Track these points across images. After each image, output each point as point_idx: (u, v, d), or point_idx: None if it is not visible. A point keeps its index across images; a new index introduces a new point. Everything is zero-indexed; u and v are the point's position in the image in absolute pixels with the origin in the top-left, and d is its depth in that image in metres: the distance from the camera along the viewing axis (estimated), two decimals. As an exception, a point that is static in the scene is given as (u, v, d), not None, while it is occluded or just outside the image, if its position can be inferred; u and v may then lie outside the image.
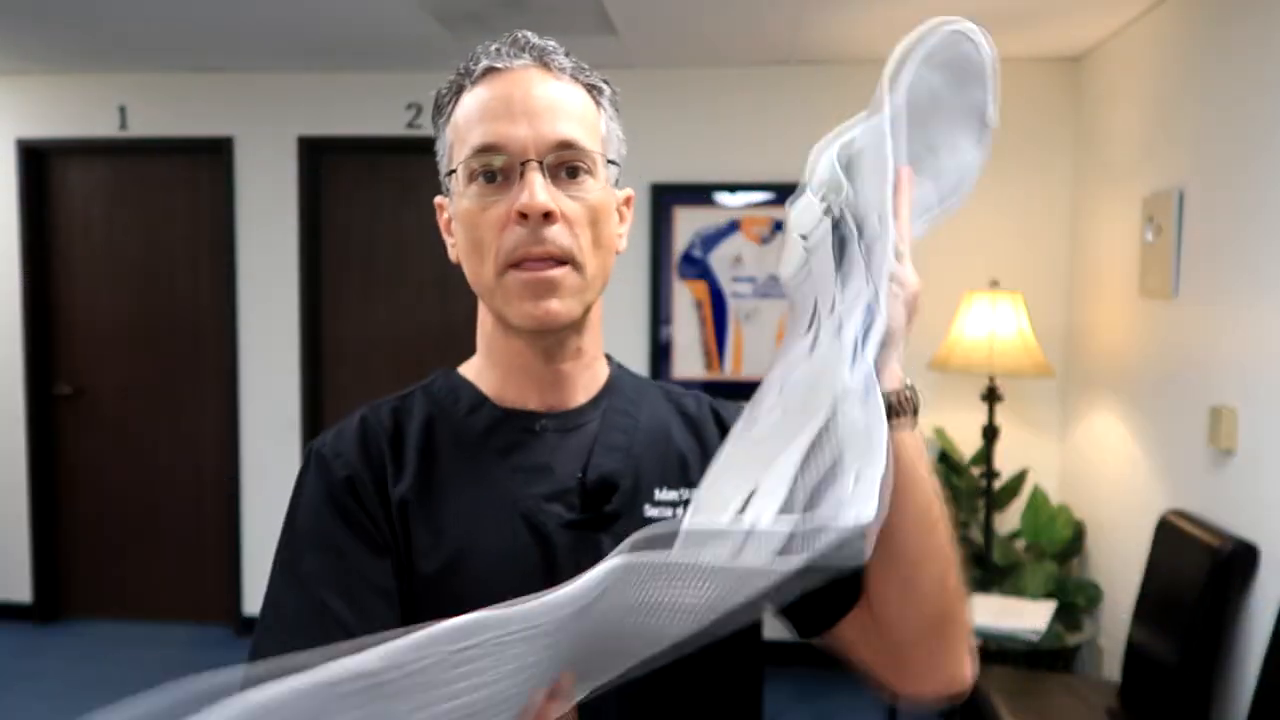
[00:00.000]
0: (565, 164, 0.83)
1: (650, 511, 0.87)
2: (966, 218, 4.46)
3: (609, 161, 0.88)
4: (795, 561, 0.54)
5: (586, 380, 0.92)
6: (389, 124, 4.03)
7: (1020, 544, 3.62)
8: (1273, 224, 2.34)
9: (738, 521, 0.59)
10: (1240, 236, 2.49)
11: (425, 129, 0.95)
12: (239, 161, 4.19)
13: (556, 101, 0.84)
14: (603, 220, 0.86)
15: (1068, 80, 3.74)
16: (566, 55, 0.88)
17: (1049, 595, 3.25)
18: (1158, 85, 3.03)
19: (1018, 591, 3.30)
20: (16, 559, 4.38)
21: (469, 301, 0.92)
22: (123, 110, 4.21)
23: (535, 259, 0.81)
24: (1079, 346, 3.64)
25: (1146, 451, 3.03)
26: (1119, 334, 3.26)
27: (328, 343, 4.28)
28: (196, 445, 4.36)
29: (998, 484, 3.51)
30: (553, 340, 0.87)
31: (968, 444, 3.67)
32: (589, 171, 0.84)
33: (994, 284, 3.41)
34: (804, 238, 0.71)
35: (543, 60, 0.86)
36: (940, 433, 3.70)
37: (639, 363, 3.94)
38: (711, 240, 3.98)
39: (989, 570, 3.38)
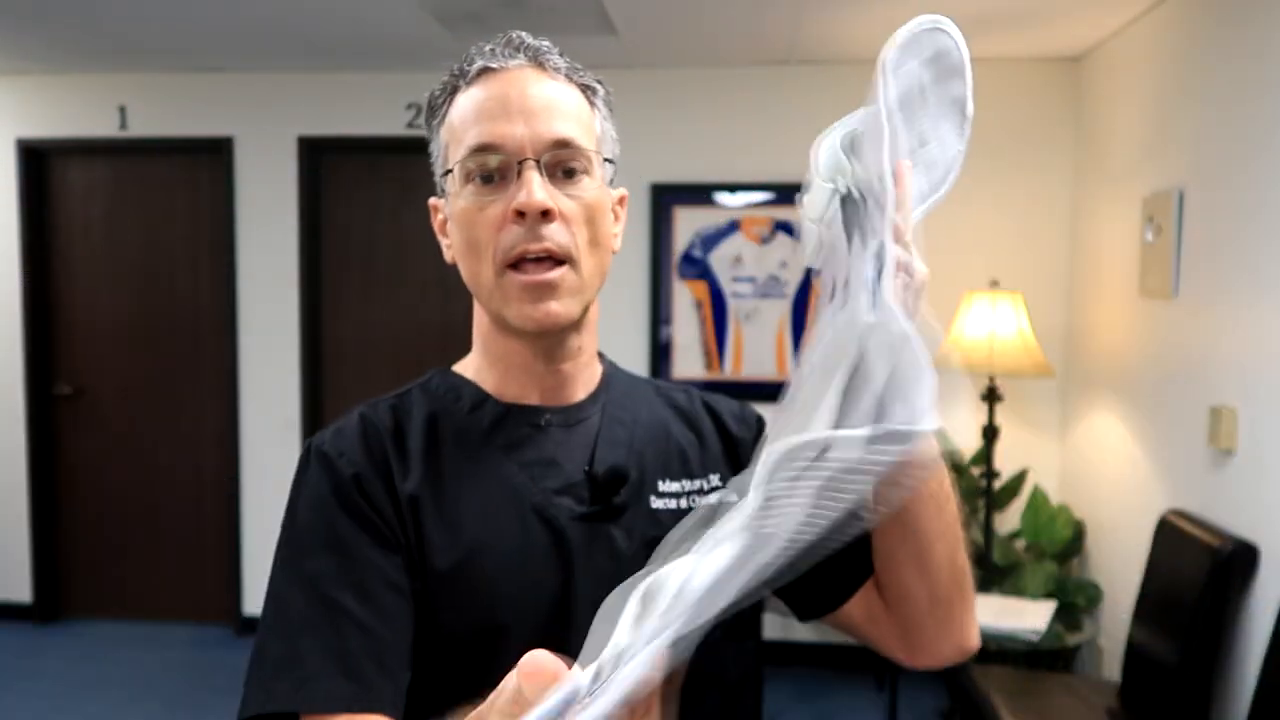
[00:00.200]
0: (562, 163, 0.84)
1: (655, 503, 0.88)
2: (966, 218, 4.46)
3: (606, 160, 0.88)
4: (890, 453, 0.53)
5: (586, 377, 0.93)
6: (389, 124, 4.04)
7: (1020, 544, 3.62)
8: (1273, 224, 2.34)
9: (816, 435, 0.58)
10: (1240, 236, 2.49)
11: (425, 129, 0.95)
12: (239, 161, 4.19)
13: (552, 101, 0.85)
14: (599, 219, 0.86)
15: (1068, 80, 3.74)
16: (560, 55, 0.88)
17: (1049, 595, 3.25)
18: (1158, 85, 3.03)
19: (1018, 591, 3.30)
20: (16, 559, 4.38)
21: (469, 301, 0.92)
22: (123, 110, 4.21)
23: (533, 257, 0.82)
24: (1079, 346, 3.64)
25: (1146, 451, 3.03)
26: (1119, 334, 3.26)
27: (328, 343, 4.28)
28: (196, 445, 4.37)
29: (998, 484, 3.51)
30: (553, 340, 0.88)
31: (968, 444, 3.67)
32: (585, 170, 0.85)
33: (994, 284, 3.41)
34: (817, 221, 0.73)
35: (538, 60, 0.87)
36: (940, 433, 3.70)
37: (639, 363, 3.94)
38: (711, 240, 3.98)
39: (989, 570, 3.38)
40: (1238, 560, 2.38)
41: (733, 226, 3.97)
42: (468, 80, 0.86)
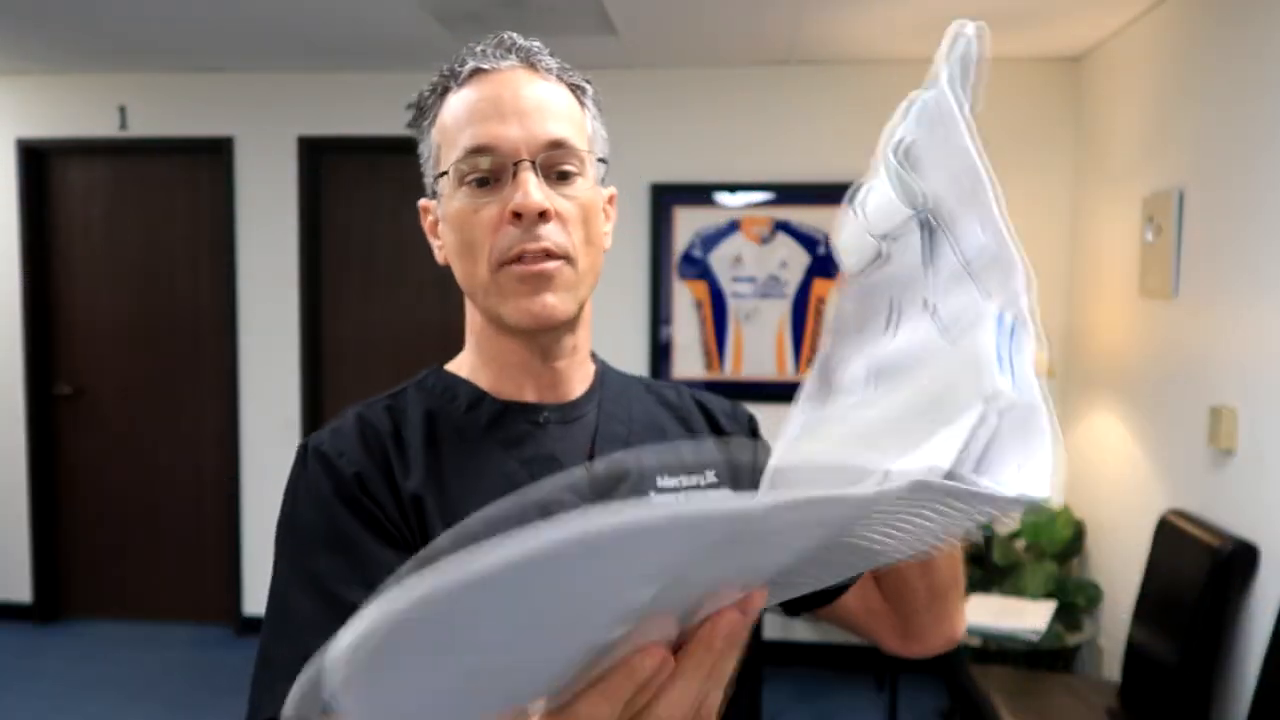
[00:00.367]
0: (556, 164, 0.84)
1: (656, 500, 0.88)
2: (966, 218, 4.43)
3: (599, 160, 0.89)
4: (1001, 510, 0.52)
5: (581, 375, 0.93)
6: (389, 124, 4.03)
7: (1020, 544, 3.62)
8: (1273, 224, 2.34)
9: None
10: (1240, 236, 2.49)
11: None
12: (239, 161, 4.19)
13: (545, 101, 0.85)
14: (593, 218, 0.87)
15: (1068, 80, 3.74)
16: (551, 55, 0.89)
17: (1049, 595, 3.25)
18: (1158, 85, 3.03)
19: (1018, 591, 3.30)
20: (16, 559, 4.38)
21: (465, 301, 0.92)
22: (123, 110, 4.21)
23: (530, 256, 0.82)
24: (1079, 346, 3.64)
25: (1146, 451, 3.03)
26: (1119, 334, 3.26)
27: (328, 343, 4.28)
28: (196, 445, 4.37)
29: (998, 484, 3.50)
30: (548, 338, 0.88)
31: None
32: (579, 171, 0.85)
33: (994, 284, 3.41)
34: (882, 237, 0.70)
35: (529, 61, 0.87)
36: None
37: (639, 363, 3.94)
38: (711, 240, 3.98)
39: (989, 570, 3.38)
40: (1238, 560, 2.38)
41: (733, 226, 3.97)
42: (459, 81, 0.86)
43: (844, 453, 0.60)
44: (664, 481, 0.90)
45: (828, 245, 3.96)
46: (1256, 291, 2.40)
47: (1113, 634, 3.21)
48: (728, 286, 3.99)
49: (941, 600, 0.89)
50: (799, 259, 3.95)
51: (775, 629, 3.89)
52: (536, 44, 0.88)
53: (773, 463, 0.62)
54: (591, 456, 0.89)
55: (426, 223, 0.93)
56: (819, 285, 3.95)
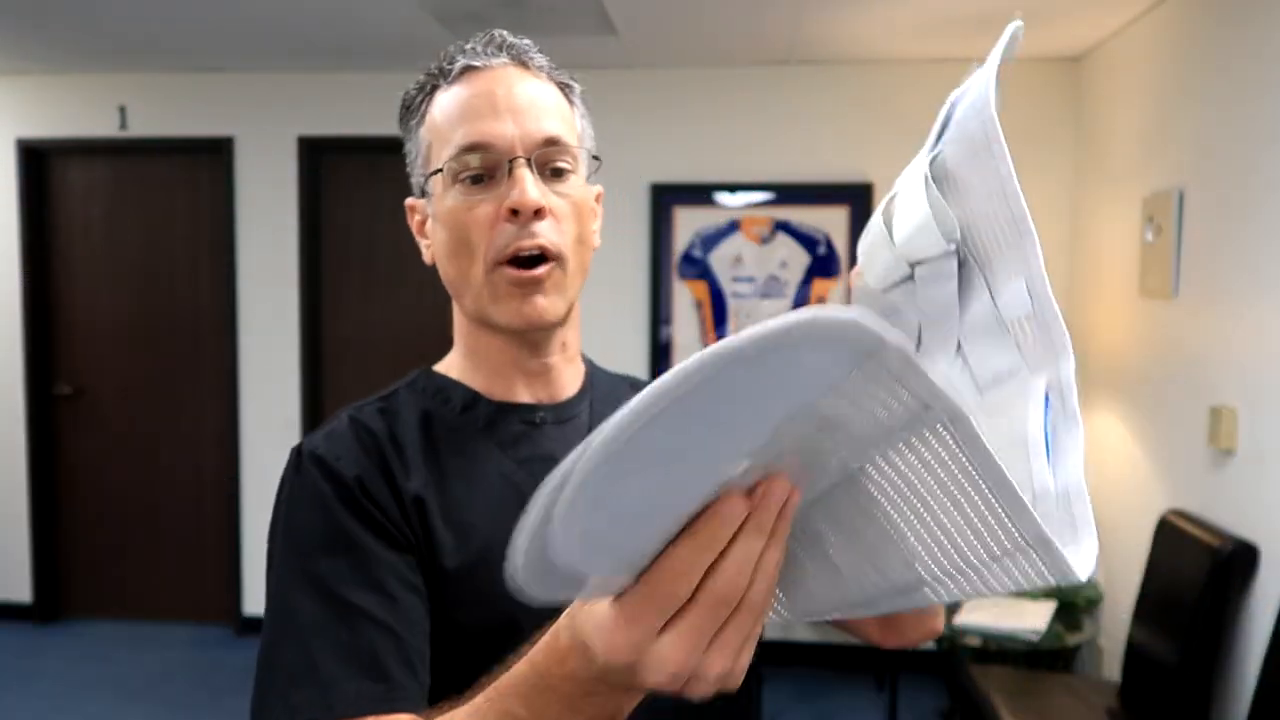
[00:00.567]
0: (550, 161, 0.84)
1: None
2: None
3: (593, 158, 0.90)
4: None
5: (572, 374, 0.94)
6: (389, 124, 3.99)
7: (1020, 544, 3.62)
8: (1273, 224, 2.34)
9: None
10: (1240, 236, 2.49)
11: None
12: (239, 161, 4.19)
13: (538, 99, 0.85)
14: (585, 216, 0.88)
15: (1068, 80, 3.75)
16: (540, 53, 0.89)
17: (1049, 595, 3.25)
18: (1158, 85, 3.03)
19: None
20: (16, 559, 4.38)
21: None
22: (123, 110, 4.21)
23: (525, 255, 0.82)
24: (1079, 346, 3.60)
25: (1146, 451, 3.03)
26: (1119, 334, 3.26)
27: (328, 343, 4.28)
28: (196, 445, 4.37)
29: (998, 484, 3.50)
30: (539, 335, 0.88)
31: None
32: (572, 169, 0.86)
33: (994, 284, 3.41)
34: (915, 263, 0.65)
35: (520, 59, 0.87)
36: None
37: (639, 363, 3.94)
38: (711, 240, 3.98)
39: (989, 570, 3.38)
40: (1238, 560, 2.38)
41: (733, 226, 3.97)
42: (450, 79, 0.86)
43: None
44: None
45: (828, 245, 3.96)
46: (1256, 291, 2.40)
47: (1113, 634, 3.21)
48: (728, 286, 3.99)
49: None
50: (799, 259, 3.95)
51: (775, 629, 3.88)
52: (526, 41, 0.88)
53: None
54: None
55: (414, 222, 0.93)
56: (819, 285, 3.95)
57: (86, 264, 4.37)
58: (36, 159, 4.31)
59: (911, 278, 0.66)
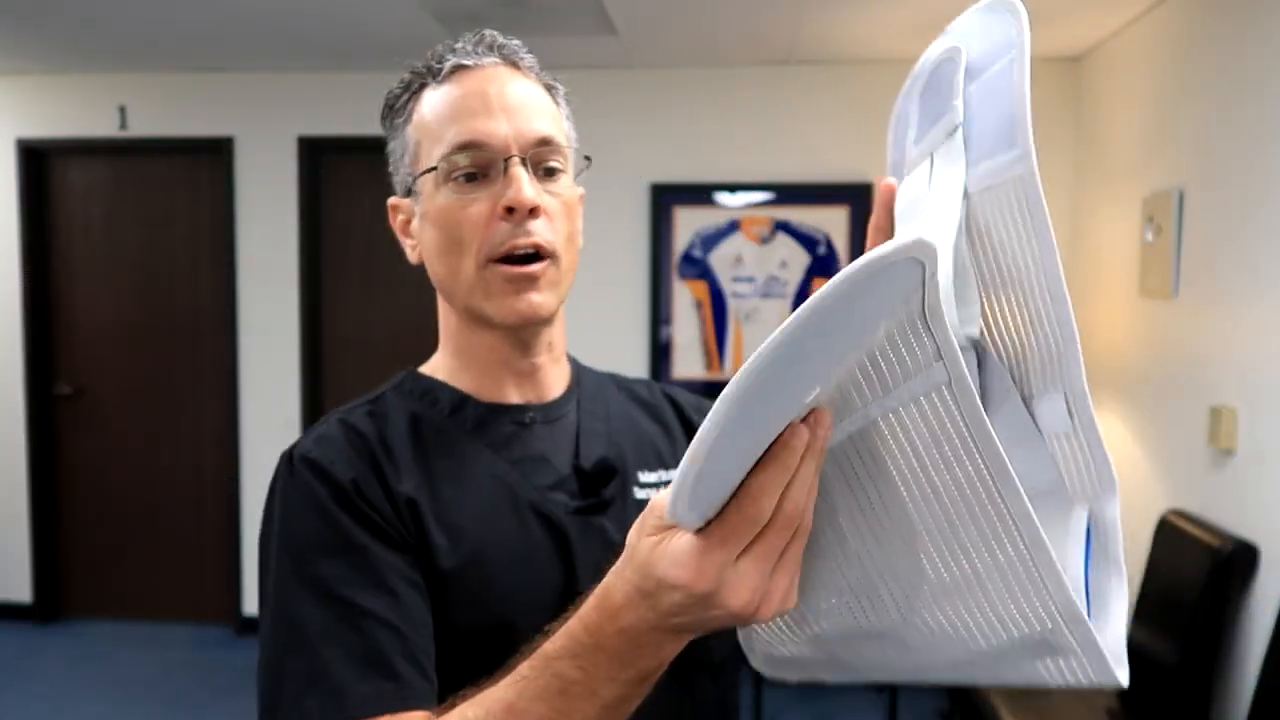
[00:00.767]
0: (543, 160, 0.85)
1: (639, 494, 0.90)
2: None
3: (584, 157, 0.90)
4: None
5: (559, 373, 0.94)
6: (389, 124, 4.04)
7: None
8: (1273, 224, 2.34)
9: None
10: (1240, 236, 2.49)
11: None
12: (239, 161, 4.19)
13: (529, 99, 0.86)
14: (575, 216, 0.89)
15: (1068, 80, 3.74)
16: (528, 54, 0.90)
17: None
18: (1158, 85, 3.03)
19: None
20: (16, 559, 4.38)
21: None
22: (123, 110, 4.21)
23: (520, 252, 0.83)
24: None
25: (1146, 451, 3.03)
26: (1119, 334, 3.26)
27: (328, 342, 4.28)
28: (196, 445, 4.37)
29: (998, 484, 3.50)
30: (528, 333, 0.88)
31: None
32: (563, 168, 0.87)
33: (994, 284, 3.41)
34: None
35: (511, 59, 0.88)
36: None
37: (639, 363, 3.94)
38: (711, 240, 3.98)
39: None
40: (1238, 560, 2.38)
41: (733, 226, 3.97)
42: (439, 78, 0.86)
43: None
44: (644, 477, 0.91)
45: (828, 245, 3.96)
46: (1256, 291, 2.40)
47: (1113, 634, 3.21)
48: (728, 286, 3.99)
49: None
50: (799, 259, 3.95)
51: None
52: (516, 42, 0.89)
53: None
54: (577, 455, 0.89)
55: (397, 222, 0.93)
56: (819, 285, 3.94)
57: (86, 264, 4.37)
58: (36, 159, 4.31)
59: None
